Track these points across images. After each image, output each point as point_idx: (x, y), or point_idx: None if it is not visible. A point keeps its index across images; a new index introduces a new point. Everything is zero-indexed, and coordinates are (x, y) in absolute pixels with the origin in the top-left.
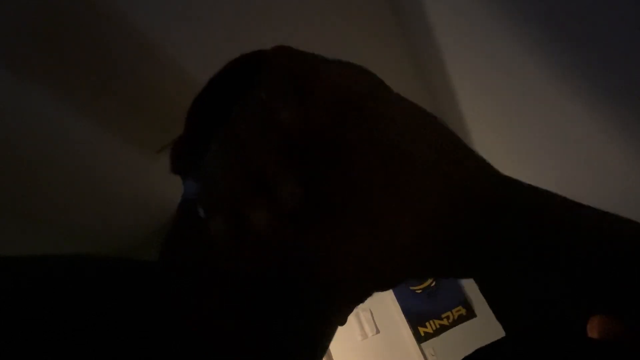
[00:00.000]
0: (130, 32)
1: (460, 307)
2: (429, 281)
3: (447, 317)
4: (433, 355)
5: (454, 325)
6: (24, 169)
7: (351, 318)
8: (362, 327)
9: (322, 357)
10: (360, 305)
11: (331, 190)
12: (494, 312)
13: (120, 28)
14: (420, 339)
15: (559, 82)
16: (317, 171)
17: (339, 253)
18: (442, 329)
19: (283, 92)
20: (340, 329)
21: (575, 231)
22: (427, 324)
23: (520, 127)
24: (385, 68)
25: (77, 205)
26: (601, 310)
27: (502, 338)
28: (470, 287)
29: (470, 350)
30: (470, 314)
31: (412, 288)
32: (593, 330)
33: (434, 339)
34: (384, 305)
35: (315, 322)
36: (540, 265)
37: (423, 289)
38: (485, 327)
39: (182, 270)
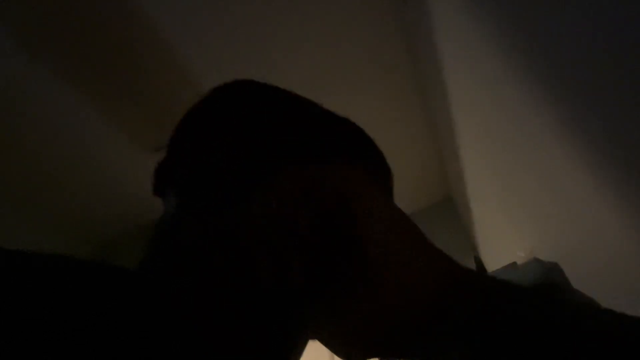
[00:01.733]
0: (141, 30)
1: None
2: None
3: None
4: None
5: None
6: (22, 153)
7: None
8: None
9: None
10: None
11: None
12: None
13: (130, 24)
14: None
15: (560, 138)
16: (322, 256)
17: (330, 329)
18: None
19: (293, 204)
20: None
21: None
22: None
23: (518, 175)
24: (395, 109)
25: (69, 193)
26: None
27: None
28: None
29: None
30: None
31: None
32: None
33: None
34: None
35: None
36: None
37: None
38: None
39: (179, 273)
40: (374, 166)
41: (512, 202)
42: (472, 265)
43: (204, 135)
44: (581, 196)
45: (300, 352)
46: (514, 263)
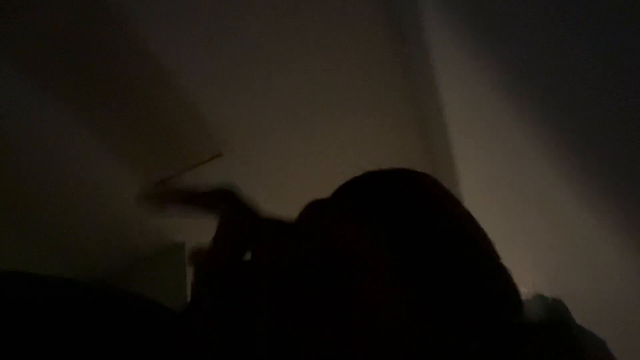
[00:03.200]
0: (146, 61)
1: None
2: None
3: None
4: None
5: None
6: (23, 179)
7: None
8: None
9: None
10: None
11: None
12: None
13: (136, 54)
14: None
15: (561, 172)
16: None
17: None
18: None
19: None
20: None
21: None
22: None
23: (518, 207)
24: (392, 136)
25: (65, 223)
26: None
27: None
28: None
29: None
30: None
31: None
32: None
33: None
34: None
35: None
36: None
37: None
38: None
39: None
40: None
41: (511, 234)
42: None
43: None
44: (583, 232)
45: None
46: None
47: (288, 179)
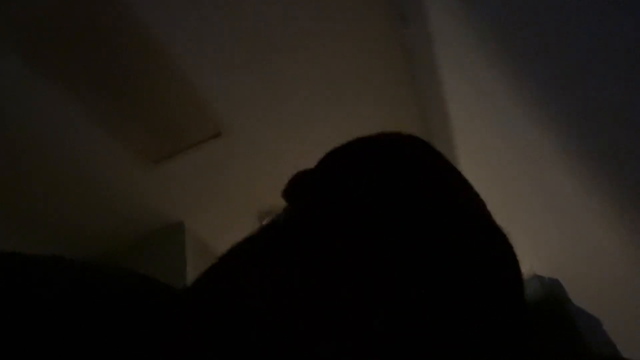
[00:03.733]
0: (144, 41)
1: None
2: None
3: None
4: None
5: None
6: (19, 162)
7: None
8: None
9: None
10: None
11: None
12: None
13: (134, 35)
14: None
15: (562, 157)
16: None
17: None
18: None
19: None
20: None
21: None
22: None
23: (519, 193)
24: (394, 118)
25: (65, 204)
26: None
27: None
28: None
29: None
30: None
31: None
32: None
33: None
34: None
35: None
36: None
37: None
38: None
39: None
40: None
41: (511, 219)
42: None
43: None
44: (582, 215)
45: None
46: None
47: (286, 159)
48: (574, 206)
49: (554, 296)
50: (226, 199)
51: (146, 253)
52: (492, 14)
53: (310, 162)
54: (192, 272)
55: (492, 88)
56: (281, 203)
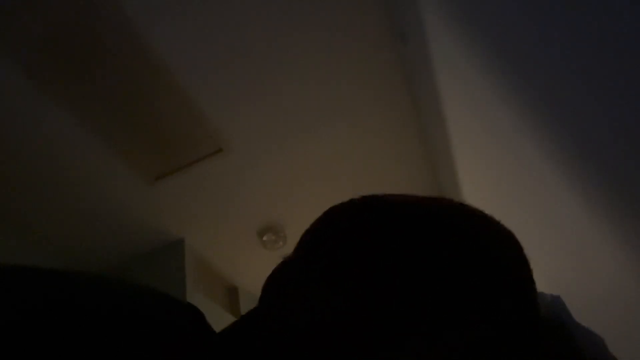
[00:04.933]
0: (146, 59)
1: None
2: None
3: None
4: None
5: None
6: (19, 176)
7: None
8: None
9: None
10: None
11: None
12: None
13: (136, 53)
14: None
15: (559, 173)
16: None
17: None
18: None
19: None
20: None
21: None
22: None
23: (517, 209)
24: (394, 144)
25: (65, 219)
26: None
27: None
28: None
29: None
30: None
31: None
32: None
33: None
34: None
35: None
36: None
37: None
38: None
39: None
40: None
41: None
42: None
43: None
44: (582, 233)
45: None
46: None
47: (287, 176)
48: (573, 220)
49: (556, 313)
50: (226, 215)
51: (146, 268)
52: (490, 33)
53: (310, 180)
54: (191, 288)
55: (488, 99)
56: (280, 220)
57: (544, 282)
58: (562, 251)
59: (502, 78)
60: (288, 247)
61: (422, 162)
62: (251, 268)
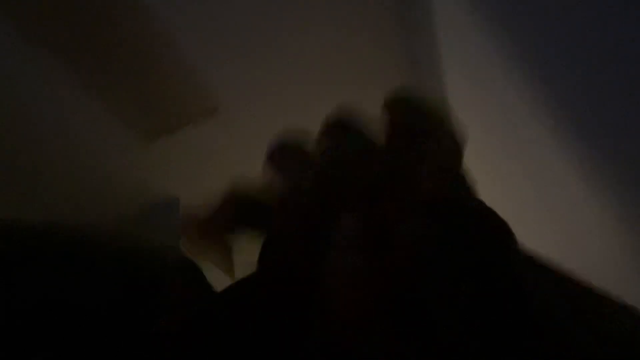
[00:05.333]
0: (142, 15)
1: None
2: None
3: None
4: None
5: None
6: (9, 131)
7: None
8: None
9: None
10: None
11: None
12: None
13: (131, 8)
14: None
15: (553, 142)
16: None
17: None
18: None
19: None
20: None
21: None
22: None
23: (508, 176)
24: None
25: (57, 176)
26: None
27: None
28: None
29: None
30: None
31: None
32: None
33: None
34: None
35: None
36: None
37: None
38: None
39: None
40: None
41: (497, 198)
42: None
43: None
44: (569, 200)
45: None
46: None
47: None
48: (577, 212)
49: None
50: (222, 175)
51: (141, 227)
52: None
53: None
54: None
55: (498, 86)
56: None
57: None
58: (548, 219)
59: (514, 62)
60: None
61: None
62: None
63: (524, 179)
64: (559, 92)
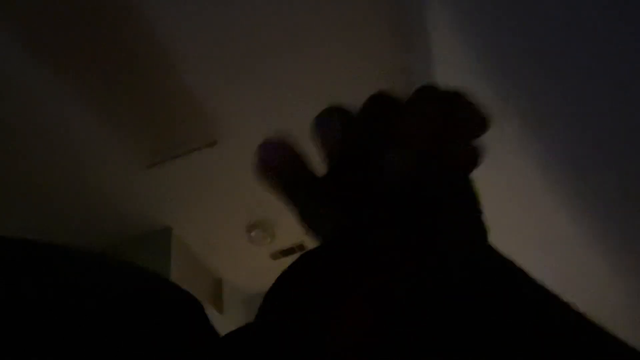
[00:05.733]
0: (147, 42)
1: None
2: None
3: None
4: None
5: None
6: (10, 148)
7: None
8: None
9: None
10: None
11: None
12: None
13: (136, 34)
14: None
15: (549, 181)
16: None
17: None
18: None
19: None
20: None
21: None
22: None
23: (504, 205)
24: None
25: (54, 196)
26: None
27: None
28: None
29: None
30: None
31: None
32: None
33: None
34: None
35: None
36: None
37: None
38: None
39: None
40: None
41: (499, 233)
42: None
43: None
44: (569, 240)
45: None
46: None
47: None
48: (567, 237)
49: None
50: (216, 208)
51: (131, 254)
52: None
53: None
54: (176, 278)
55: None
56: (269, 218)
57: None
58: (552, 258)
59: (495, 69)
60: (275, 244)
61: None
62: (237, 262)
63: (507, 189)
64: (547, 101)
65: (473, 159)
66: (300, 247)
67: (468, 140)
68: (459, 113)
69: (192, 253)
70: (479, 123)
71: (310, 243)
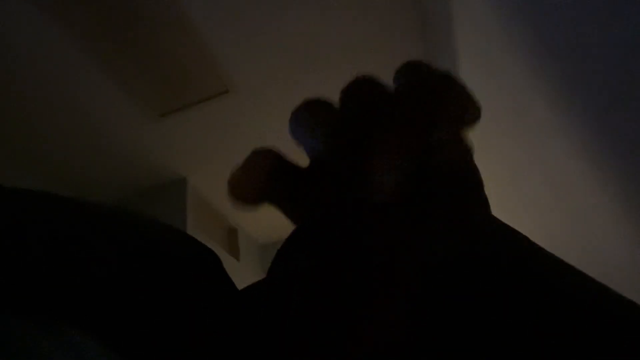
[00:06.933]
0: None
1: None
2: None
3: None
4: None
5: None
6: (25, 102)
7: None
8: None
9: None
10: None
11: None
12: None
13: None
14: None
15: (567, 135)
16: None
17: None
18: None
19: None
20: None
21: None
22: None
23: (520, 167)
24: None
25: (68, 148)
26: None
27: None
28: None
29: None
30: None
31: None
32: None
33: None
34: None
35: None
36: None
37: None
38: None
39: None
40: None
41: (510, 192)
42: None
43: None
44: (581, 193)
45: None
46: None
47: None
48: (574, 182)
49: None
50: (230, 157)
51: (147, 205)
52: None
53: None
54: (192, 227)
55: (510, 75)
56: None
57: (538, 238)
58: (564, 217)
59: (528, 51)
60: None
61: None
62: (253, 211)
63: (532, 166)
64: (570, 81)
65: (465, 148)
66: None
67: (459, 129)
68: (450, 103)
69: (207, 203)
70: (473, 112)
71: None
